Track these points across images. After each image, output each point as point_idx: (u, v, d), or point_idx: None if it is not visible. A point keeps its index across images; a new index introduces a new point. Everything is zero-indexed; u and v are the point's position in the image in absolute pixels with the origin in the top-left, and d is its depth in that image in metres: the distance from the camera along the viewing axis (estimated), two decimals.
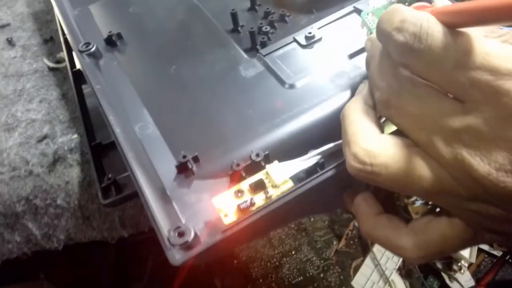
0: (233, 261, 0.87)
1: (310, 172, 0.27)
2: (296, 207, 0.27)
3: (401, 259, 0.89)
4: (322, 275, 0.86)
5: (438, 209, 0.28)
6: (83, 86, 0.41)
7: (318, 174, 0.25)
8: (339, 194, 0.28)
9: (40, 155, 0.36)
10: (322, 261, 0.87)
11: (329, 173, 0.25)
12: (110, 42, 0.38)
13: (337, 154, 0.27)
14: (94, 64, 0.36)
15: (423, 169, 0.21)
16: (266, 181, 0.25)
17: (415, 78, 0.21)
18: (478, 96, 0.18)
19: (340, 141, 0.27)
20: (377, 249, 0.90)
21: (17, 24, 0.49)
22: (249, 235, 0.25)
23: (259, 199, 0.25)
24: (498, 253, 0.90)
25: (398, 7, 0.21)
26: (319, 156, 0.27)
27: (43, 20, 0.49)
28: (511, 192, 0.18)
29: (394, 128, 0.25)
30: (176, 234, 0.24)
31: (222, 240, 0.24)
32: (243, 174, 0.27)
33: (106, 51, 0.38)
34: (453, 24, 0.19)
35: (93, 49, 0.36)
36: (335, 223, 0.93)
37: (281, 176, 0.25)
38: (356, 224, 0.94)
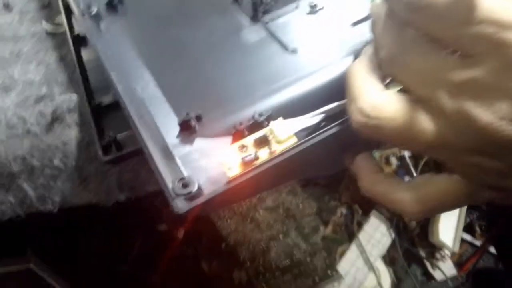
0: (221, 245, 0.87)
1: (313, 129, 0.27)
2: (299, 163, 0.27)
3: (386, 247, 0.91)
4: (308, 259, 0.87)
5: None
6: (82, 51, 0.41)
7: (321, 130, 0.26)
8: (340, 154, 0.29)
9: (38, 114, 0.36)
10: (309, 246, 0.88)
11: (333, 130, 0.26)
12: (111, 5, 0.38)
13: (340, 115, 0.27)
14: (96, 27, 0.36)
15: (426, 123, 0.21)
16: (270, 136, 0.26)
17: (420, 35, 0.22)
18: (482, 48, 0.19)
19: (343, 101, 0.27)
20: (362, 236, 0.91)
21: None
22: (252, 188, 0.25)
23: (263, 154, 0.25)
24: (479, 243, 0.92)
25: None
26: (322, 115, 0.27)
27: None
28: None
29: (398, 88, 0.26)
30: (181, 185, 0.24)
31: (226, 191, 0.24)
32: (246, 133, 0.28)
33: (107, 14, 0.37)
34: None
35: (94, 11, 0.36)
36: (322, 210, 0.94)
37: (285, 132, 0.26)
38: (343, 211, 0.95)
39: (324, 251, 0.89)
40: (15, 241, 0.53)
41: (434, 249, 0.92)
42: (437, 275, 0.89)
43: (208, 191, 0.25)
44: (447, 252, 0.91)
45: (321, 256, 0.88)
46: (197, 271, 0.85)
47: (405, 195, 0.24)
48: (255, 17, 0.36)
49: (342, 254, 0.89)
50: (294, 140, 0.26)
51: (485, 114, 0.19)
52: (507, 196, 0.22)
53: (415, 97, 0.22)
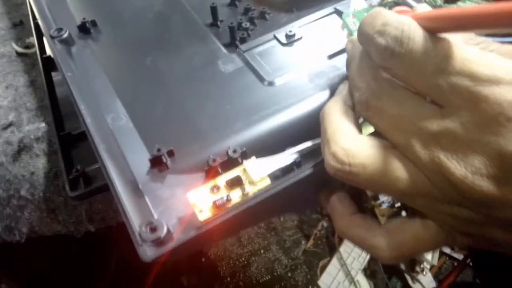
0: (200, 259, 0.86)
1: (287, 170, 0.26)
2: (273, 204, 0.26)
3: (366, 260, 0.91)
4: (289, 274, 0.86)
5: (404, 212, 0.28)
6: (53, 74, 0.40)
7: (295, 172, 0.25)
8: (315, 193, 0.28)
9: (4, 143, 0.35)
10: (290, 261, 0.88)
11: (307, 172, 0.25)
12: (84, 29, 0.36)
13: (314, 153, 0.27)
14: (66, 51, 0.35)
15: (400, 171, 0.21)
16: (243, 177, 0.25)
17: (395, 80, 0.21)
18: (457, 101, 0.18)
19: (317, 140, 0.27)
20: (343, 249, 0.91)
21: None
22: (224, 231, 0.25)
23: (236, 196, 0.25)
24: (459, 256, 0.93)
25: (380, 11, 0.21)
26: (296, 155, 0.27)
27: (13, 3, 0.47)
28: (486, 196, 0.18)
29: (372, 129, 0.25)
30: (148, 229, 0.23)
31: (196, 236, 0.24)
32: (220, 170, 0.27)
33: (79, 38, 0.36)
34: (434, 29, 0.19)
35: (65, 35, 0.35)
36: (304, 223, 0.94)
37: (259, 173, 0.25)
38: (325, 224, 0.95)
39: (305, 265, 0.88)
40: None
41: (414, 262, 0.92)
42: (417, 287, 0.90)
43: (178, 234, 0.24)
44: (426, 265, 0.92)
45: (302, 270, 0.88)
46: (176, 286, 0.83)
47: (380, 241, 0.24)
48: (232, 45, 0.35)
49: (323, 268, 0.89)
50: (267, 181, 0.25)
51: (458, 168, 0.18)
52: (481, 242, 0.22)
53: (390, 143, 0.22)
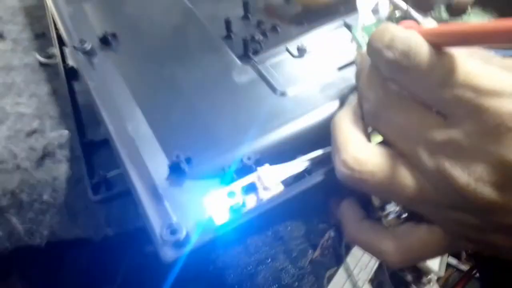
0: (208, 267, 0.87)
1: (299, 177, 0.28)
2: (286, 210, 0.28)
3: (373, 271, 0.91)
4: (296, 284, 0.87)
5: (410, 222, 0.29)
6: (74, 83, 0.41)
7: (307, 178, 0.26)
8: (325, 200, 0.29)
9: (28, 149, 0.36)
10: (297, 270, 0.88)
11: (318, 179, 0.26)
12: (105, 41, 0.38)
13: (325, 161, 0.28)
14: (88, 62, 0.36)
15: (407, 178, 0.22)
16: (257, 183, 0.26)
17: (402, 92, 0.23)
18: (460, 111, 0.19)
19: (328, 148, 0.28)
20: (350, 259, 0.91)
21: (8, 18, 0.48)
22: (240, 235, 0.26)
23: (251, 201, 0.26)
24: (465, 268, 0.93)
25: (388, 26, 0.23)
26: (308, 162, 0.28)
27: (35, 15, 0.49)
28: (488, 202, 0.19)
29: (380, 138, 0.27)
30: (169, 231, 0.25)
31: (213, 239, 0.25)
32: (235, 176, 0.28)
33: (100, 49, 0.38)
34: (439, 44, 0.21)
35: (88, 47, 0.37)
36: (311, 232, 0.95)
37: (272, 180, 0.26)
38: (332, 234, 0.96)
39: (312, 275, 0.89)
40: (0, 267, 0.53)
41: (420, 273, 0.92)
42: None
43: (196, 238, 0.25)
44: (433, 276, 0.91)
45: (309, 280, 0.88)
46: None
47: (388, 246, 0.25)
48: (245, 57, 0.37)
49: (330, 278, 0.89)
50: (280, 187, 0.26)
51: (462, 175, 0.19)
52: (484, 247, 0.23)
53: (397, 151, 0.23)
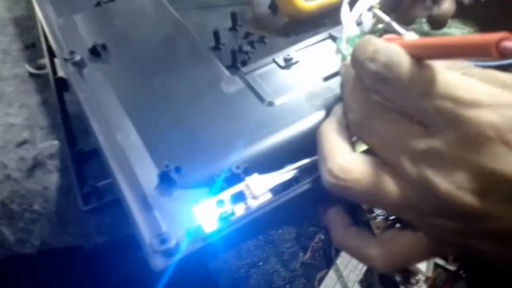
0: (201, 272, 0.87)
1: (287, 185, 0.28)
2: (274, 217, 0.28)
3: (362, 272, 0.93)
4: (288, 286, 0.88)
5: (398, 224, 0.30)
6: (64, 94, 0.42)
7: (295, 187, 0.27)
8: (313, 206, 0.30)
9: (18, 159, 0.36)
10: (288, 273, 0.89)
11: (305, 187, 0.27)
12: (95, 52, 0.39)
13: (312, 169, 0.29)
14: (78, 73, 0.37)
15: (390, 186, 0.23)
16: (246, 192, 0.27)
17: (385, 103, 0.24)
18: (441, 121, 0.20)
19: (314, 157, 0.29)
20: (340, 262, 0.92)
21: None
22: (229, 243, 0.27)
23: (240, 209, 0.27)
24: (453, 268, 0.95)
25: (371, 38, 0.24)
26: (295, 170, 0.29)
27: (25, 26, 0.49)
28: (469, 209, 0.20)
29: (365, 146, 0.27)
30: (158, 241, 0.25)
31: (203, 247, 0.25)
32: (224, 185, 0.29)
33: (90, 60, 0.38)
34: (420, 56, 0.21)
35: (77, 58, 0.37)
36: (301, 235, 0.96)
37: (261, 188, 0.27)
38: (322, 237, 0.97)
39: (303, 277, 0.90)
40: None
41: (409, 273, 0.93)
42: None
43: (186, 246, 0.26)
44: (421, 277, 0.93)
45: (300, 282, 0.89)
46: None
47: (374, 252, 0.25)
48: (233, 67, 0.37)
49: (321, 280, 0.90)
50: (268, 196, 0.27)
51: (444, 183, 0.20)
52: (468, 252, 0.24)
53: (381, 160, 0.24)
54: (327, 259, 0.95)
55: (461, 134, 0.20)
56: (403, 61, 0.21)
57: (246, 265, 0.89)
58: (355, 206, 0.30)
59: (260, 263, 0.90)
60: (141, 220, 0.27)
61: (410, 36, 0.27)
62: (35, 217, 0.36)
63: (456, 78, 0.20)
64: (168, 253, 0.25)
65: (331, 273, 0.92)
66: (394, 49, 0.22)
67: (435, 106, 0.20)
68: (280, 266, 0.90)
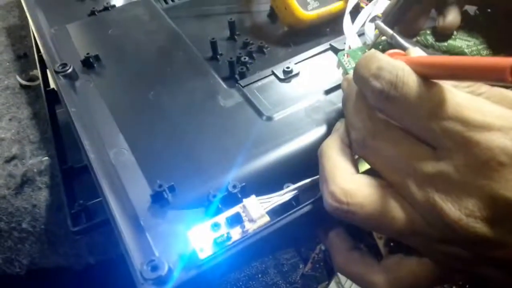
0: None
1: (286, 207, 0.27)
2: (273, 241, 0.27)
3: None
4: None
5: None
6: (56, 106, 0.40)
7: (294, 209, 0.26)
8: (313, 229, 0.29)
9: (7, 176, 0.35)
10: (288, 285, 0.87)
11: (305, 209, 0.26)
12: (87, 63, 0.37)
13: (312, 189, 0.27)
14: (70, 86, 0.36)
15: (396, 211, 0.21)
16: (242, 214, 0.26)
17: (390, 121, 0.22)
18: (449, 144, 0.19)
19: (315, 177, 0.27)
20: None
21: None
22: (225, 269, 0.25)
23: (236, 233, 0.25)
24: None
25: (375, 54, 0.22)
26: (295, 191, 0.27)
27: (17, 36, 0.48)
28: (480, 237, 0.19)
29: (368, 165, 0.26)
30: (149, 268, 0.24)
31: (197, 274, 0.24)
32: (220, 206, 0.27)
33: (82, 72, 0.37)
34: (427, 75, 0.20)
35: (69, 70, 0.36)
36: (301, 246, 0.94)
37: (258, 211, 0.25)
38: (323, 247, 0.95)
39: None
40: None
41: None
42: None
43: (178, 273, 0.24)
44: None
45: None
46: None
47: (378, 278, 0.24)
48: (231, 79, 0.36)
49: None
50: (266, 219, 0.25)
51: (453, 209, 0.19)
52: (475, 280, 0.23)
53: (386, 181, 0.22)
54: (328, 271, 0.93)
55: (472, 159, 0.18)
56: (409, 79, 0.20)
57: (245, 277, 0.87)
58: (357, 228, 0.29)
59: (259, 275, 0.88)
60: (132, 244, 0.26)
61: (416, 52, 0.25)
62: (24, 236, 0.34)
63: (466, 99, 0.19)
64: (160, 282, 0.23)
65: (332, 285, 0.90)
66: (400, 66, 0.21)
67: (444, 127, 0.19)
68: (279, 278, 0.88)
